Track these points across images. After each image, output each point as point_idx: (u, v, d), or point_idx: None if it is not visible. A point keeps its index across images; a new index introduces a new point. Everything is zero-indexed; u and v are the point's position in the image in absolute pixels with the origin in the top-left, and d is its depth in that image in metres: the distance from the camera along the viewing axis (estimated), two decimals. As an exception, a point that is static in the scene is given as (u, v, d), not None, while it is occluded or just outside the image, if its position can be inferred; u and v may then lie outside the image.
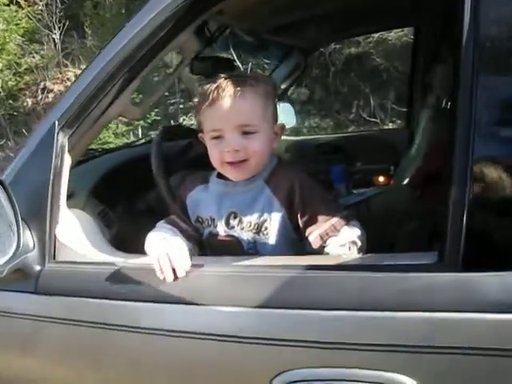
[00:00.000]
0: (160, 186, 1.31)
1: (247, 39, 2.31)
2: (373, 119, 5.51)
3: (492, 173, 0.81)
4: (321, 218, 1.00)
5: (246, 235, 1.04)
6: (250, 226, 1.03)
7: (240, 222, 1.04)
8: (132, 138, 5.63)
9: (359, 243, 1.00)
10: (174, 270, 0.94)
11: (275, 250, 1.03)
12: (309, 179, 1.06)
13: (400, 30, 5.55)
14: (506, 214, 0.81)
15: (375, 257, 0.92)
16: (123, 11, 6.14)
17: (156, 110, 5.81)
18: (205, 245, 1.11)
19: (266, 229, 1.03)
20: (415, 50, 2.65)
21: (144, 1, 1.09)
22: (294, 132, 4.16)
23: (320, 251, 1.01)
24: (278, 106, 1.12)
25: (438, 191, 1.74)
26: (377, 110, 5.57)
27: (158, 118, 6.08)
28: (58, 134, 1.11)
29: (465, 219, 0.80)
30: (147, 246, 1.02)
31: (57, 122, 1.11)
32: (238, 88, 1.00)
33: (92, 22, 6.29)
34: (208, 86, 1.04)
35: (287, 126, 1.16)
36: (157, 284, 0.97)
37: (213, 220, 1.08)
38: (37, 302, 1.11)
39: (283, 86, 2.63)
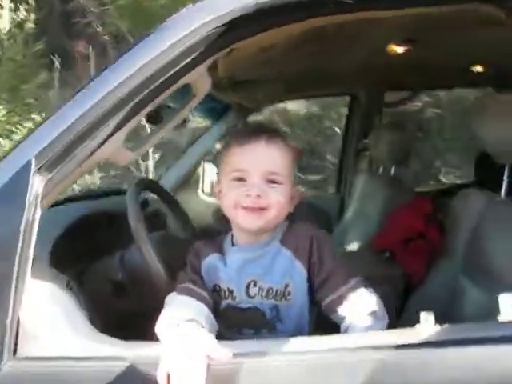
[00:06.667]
0: (143, 248, 1.05)
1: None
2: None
3: None
4: (336, 279, 0.95)
5: (268, 303, 0.97)
6: (272, 292, 0.97)
7: (260, 289, 0.97)
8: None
9: (380, 313, 0.95)
10: None
11: (300, 316, 0.97)
12: (324, 235, 1.02)
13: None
14: None
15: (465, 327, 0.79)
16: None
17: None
18: (222, 317, 0.98)
19: (288, 294, 0.96)
20: (350, 117, 2.72)
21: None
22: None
23: (332, 316, 0.96)
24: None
25: (412, 252, 1.72)
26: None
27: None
28: (33, 176, 0.83)
29: None
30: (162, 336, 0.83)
31: (33, 161, 0.83)
32: (272, 135, 0.98)
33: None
34: (240, 127, 1.05)
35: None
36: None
37: (231, 292, 0.99)
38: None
39: (218, 147, 2.50)
